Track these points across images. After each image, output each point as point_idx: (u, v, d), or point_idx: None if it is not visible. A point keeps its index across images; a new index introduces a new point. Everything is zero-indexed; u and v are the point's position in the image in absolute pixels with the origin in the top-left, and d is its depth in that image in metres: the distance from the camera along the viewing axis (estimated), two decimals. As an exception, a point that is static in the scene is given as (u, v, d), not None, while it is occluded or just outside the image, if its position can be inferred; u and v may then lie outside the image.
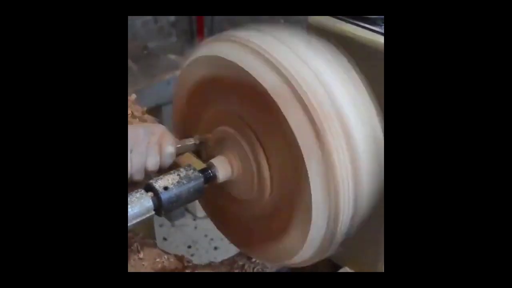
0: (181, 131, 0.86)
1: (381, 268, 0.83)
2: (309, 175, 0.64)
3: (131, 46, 2.29)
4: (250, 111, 0.71)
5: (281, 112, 0.64)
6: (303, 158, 0.64)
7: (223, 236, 0.85)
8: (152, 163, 0.77)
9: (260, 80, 0.65)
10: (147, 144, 0.76)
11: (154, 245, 0.97)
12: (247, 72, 0.66)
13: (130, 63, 2.17)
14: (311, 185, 0.65)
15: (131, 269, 0.87)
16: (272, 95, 0.64)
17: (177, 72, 0.86)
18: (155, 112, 2.18)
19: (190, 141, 0.82)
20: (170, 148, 0.78)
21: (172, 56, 2.29)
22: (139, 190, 0.71)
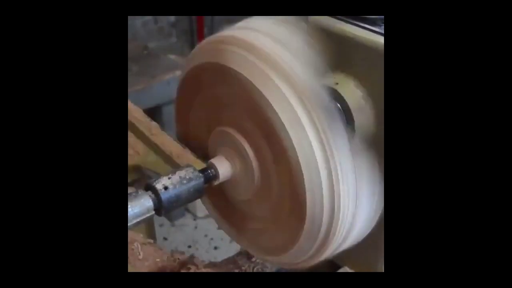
0: (184, 136, 0.86)
1: (381, 268, 0.83)
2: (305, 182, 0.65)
3: (131, 46, 2.29)
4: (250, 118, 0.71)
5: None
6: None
7: (223, 236, 0.85)
8: None
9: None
10: None
11: (154, 245, 0.97)
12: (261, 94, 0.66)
13: (130, 63, 2.17)
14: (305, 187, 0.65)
15: (131, 269, 0.87)
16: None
17: (178, 72, 0.87)
18: (156, 112, 2.18)
19: None
20: None
21: (172, 56, 2.29)
22: (139, 190, 0.71)
